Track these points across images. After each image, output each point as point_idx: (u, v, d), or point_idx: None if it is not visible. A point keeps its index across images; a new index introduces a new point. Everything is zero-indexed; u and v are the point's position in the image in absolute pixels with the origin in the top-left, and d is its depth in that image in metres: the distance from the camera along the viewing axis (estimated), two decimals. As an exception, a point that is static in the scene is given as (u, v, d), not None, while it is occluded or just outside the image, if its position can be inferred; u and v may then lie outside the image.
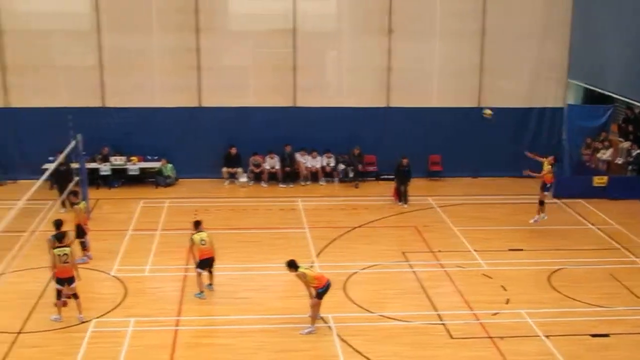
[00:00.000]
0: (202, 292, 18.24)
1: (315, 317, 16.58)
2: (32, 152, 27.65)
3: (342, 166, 28.32)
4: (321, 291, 16.45)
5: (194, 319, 17.26)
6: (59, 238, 17.19)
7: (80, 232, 20.31)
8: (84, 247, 20.45)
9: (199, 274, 18.20)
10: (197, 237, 18.14)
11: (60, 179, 24.53)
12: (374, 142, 28.60)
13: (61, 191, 24.12)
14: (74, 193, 21.90)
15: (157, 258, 20.86)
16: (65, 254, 16.85)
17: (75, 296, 17.09)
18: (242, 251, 21.35)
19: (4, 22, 27.39)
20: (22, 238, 19.76)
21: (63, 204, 23.85)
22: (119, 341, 16.12)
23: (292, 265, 16.59)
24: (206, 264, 18.23)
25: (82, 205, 20.92)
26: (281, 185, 27.96)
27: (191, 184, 27.89)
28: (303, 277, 16.52)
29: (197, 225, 18.45)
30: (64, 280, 16.89)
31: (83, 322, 16.82)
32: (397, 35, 28.03)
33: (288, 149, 28.14)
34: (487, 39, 28.32)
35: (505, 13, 28.26)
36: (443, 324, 17.00)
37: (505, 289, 18.84)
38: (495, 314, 17.51)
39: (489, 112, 24.44)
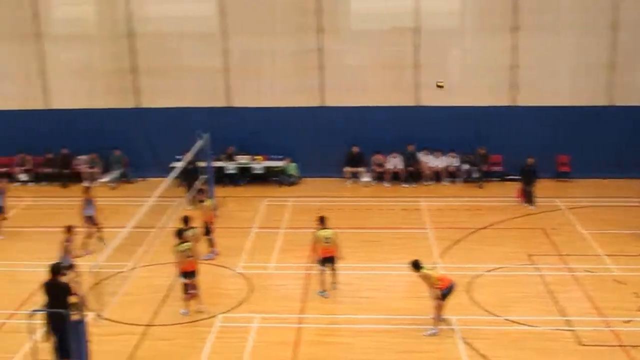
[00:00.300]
0: (324, 290, 18.33)
1: (438, 318, 16.40)
2: (161, 151, 28.57)
3: (466, 166, 27.91)
4: (445, 292, 16.26)
5: (317, 317, 17.38)
6: (180, 233, 17.67)
7: (207, 229, 20.79)
8: (211, 243, 20.91)
9: (322, 272, 18.30)
10: (322, 234, 18.21)
11: (188, 177, 25.16)
12: (499, 142, 27.98)
13: (189, 189, 24.72)
14: (201, 191, 22.44)
15: (281, 256, 21.12)
16: (188, 249, 17.31)
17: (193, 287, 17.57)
18: (365, 250, 21.35)
19: (136, 26, 28.36)
20: (151, 234, 20.42)
21: (191, 202, 24.47)
22: (244, 337, 16.42)
23: (416, 265, 16.47)
24: (327, 261, 18.27)
25: (208, 203, 21.43)
26: (404, 185, 27.81)
27: (314, 183, 28.10)
28: (426, 278, 16.38)
29: (322, 221, 18.48)
30: (189, 274, 17.36)
31: (210, 317, 17.20)
32: (523, 31, 27.34)
33: (411, 148, 27.96)
34: (620, 33, 27.24)
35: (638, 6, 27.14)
36: (571, 330, 16.48)
37: (638, 296, 18.10)
38: (628, 321, 16.83)
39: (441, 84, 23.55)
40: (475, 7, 28.23)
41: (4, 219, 22.90)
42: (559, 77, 27.71)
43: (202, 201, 21.48)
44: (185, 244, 17.45)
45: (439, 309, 16.32)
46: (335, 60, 28.30)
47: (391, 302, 18.09)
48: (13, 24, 28.69)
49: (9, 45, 29.01)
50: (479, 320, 17.02)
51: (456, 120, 27.81)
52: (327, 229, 18.37)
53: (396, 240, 22.16)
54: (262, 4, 27.96)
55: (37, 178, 28.91)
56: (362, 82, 28.42)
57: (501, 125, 27.89)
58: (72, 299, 13.98)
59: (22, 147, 28.91)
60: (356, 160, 28.17)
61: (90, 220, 21.68)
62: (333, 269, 18.46)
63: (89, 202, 21.83)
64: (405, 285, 18.89)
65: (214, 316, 17.35)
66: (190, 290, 17.50)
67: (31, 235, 23.09)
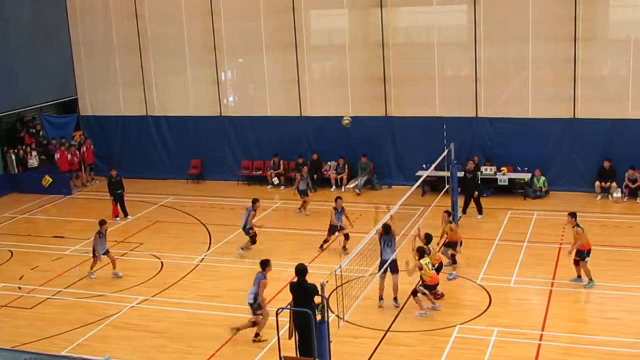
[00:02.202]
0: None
1: None
2: (407, 159, 29.00)
3: None
4: None
5: (559, 334, 16.89)
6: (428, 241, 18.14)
7: (453, 246, 20.64)
8: (454, 261, 20.78)
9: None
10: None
11: (465, 186, 25.39)
12: None
13: (466, 198, 25.36)
14: (449, 213, 21.44)
15: (523, 270, 20.70)
16: (430, 263, 17.75)
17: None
18: (614, 269, 20.40)
19: (388, 36, 28.99)
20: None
21: (464, 210, 25.21)
22: (481, 349, 16.31)
23: None
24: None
25: (453, 225, 20.99)
26: (659, 203, 26.30)
27: (561, 196, 27.21)
28: None
29: None
30: (432, 287, 17.66)
31: (449, 327, 17.23)
32: None
33: (669, 163, 26.35)
34: None
35: None
36: None
37: None
38: None
39: (346, 120, 22.99)
40: None
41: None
42: None
43: (451, 222, 20.89)
44: (428, 258, 17.96)
45: None
46: (591, 70, 27.28)
47: (638, 324, 17.19)
48: (275, 35, 30.38)
49: (271, 56, 30.73)
50: None
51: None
52: None
53: (648, 261, 21.02)
54: (515, 12, 27.52)
55: (289, 182, 30.36)
56: (618, 92, 27.16)
57: None
58: (317, 300, 14.57)
59: (277, 151, 30.52)
60: (607, 175, 26.96)
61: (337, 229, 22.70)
62: None
63: (339, 210, 22.72)
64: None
65: (452, 326, 17.38)
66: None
67: (280, 235, 24.31)
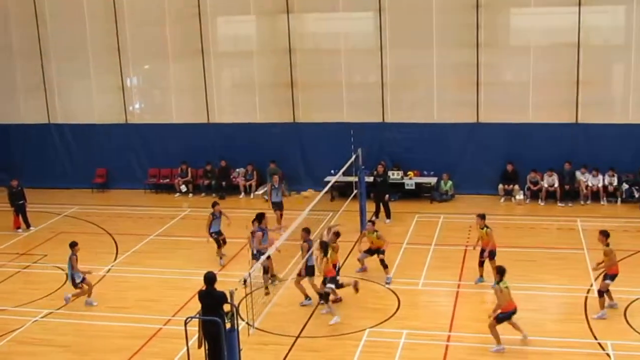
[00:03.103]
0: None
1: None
2: (315, 165, 29.13)
3: (625, 185, 26.83)
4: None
5: (467, 335, 17.17)
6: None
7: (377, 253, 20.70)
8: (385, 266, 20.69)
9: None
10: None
11: (376, 190, 25.73)
12: (662, 161, 26.86)
13: (376, 202, 25.62)
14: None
15: (431, 272, 21.00)
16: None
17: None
18: (518, 270, 20.79)
19: (296, 42, 29.06)
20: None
21: (377, 214, 25.53)
22: (391, 352, 16.44)
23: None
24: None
25: (378, 234, 20.83)
26: (559, 204, 27.04)
27: (467, 199, 27.79)
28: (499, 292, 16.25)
29: None
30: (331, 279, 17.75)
31: (358, 331, 17.33)
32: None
33: (568, 166, 27.17)
34: None
35: None
36: None
37: None
38: None
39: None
40: (640, 20, 27.16)
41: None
42: None
43: (486, 227, 20.13)
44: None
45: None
46: (493, 76, 27.95)
47: (545, 323, 17.62)
48: (182, 42, 30.08)
49: (178, 62, 30.41)
50: (635, 345, 16.30)
51: (617, 139, 26.81)
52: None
53: (551, 261, 21.58)
54: (420, 19, 27.95)
55: (197, 189, 30.09)
56: (520, 98, 27.89)
57: (665, 144, 26.73)
58: (226, 308, 14.44)
59: (184, 159, 30.19)
60: (510, 178, 27.66)
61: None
62: None
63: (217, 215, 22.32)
64: (560, 307, 18.44)
65: (362, 330, 17.47)
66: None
67: (189, 244, 24.06)
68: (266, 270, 19.49)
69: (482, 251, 19.74)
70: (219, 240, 22.13)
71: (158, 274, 21.35)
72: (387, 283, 20.23)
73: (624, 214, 25.85)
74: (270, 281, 19.78)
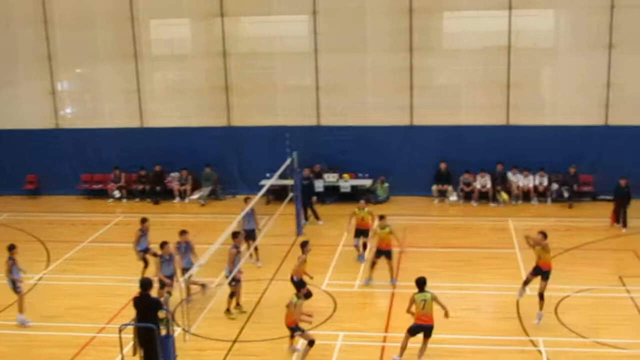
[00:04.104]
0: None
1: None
2: (251, 169, 29.06)
3: (555, 185, 27.41)
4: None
5: (402, 336, 17.22)
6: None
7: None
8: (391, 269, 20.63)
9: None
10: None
11: (304, 194, 25.47)
12: (590, 162, 27.47)
13: (304, 205, 25.40)
14: (383, 217, 20.56)
15: (367, 274, 21.07)
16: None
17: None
18: (453, 270, 21.19)
19: (230, 46, 28.96)
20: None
21: (305, 217, 25.45)
22: (328, 354, 16.46)
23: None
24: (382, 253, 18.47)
25: (388, 230, 20.37)
26: (492, 205, 27.49)
27: (402, 201, 28.05)
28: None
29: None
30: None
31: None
32: (619, 50, 26.74)
33: (500, 167, 27.64)
34: None
35: None
36: (664, 355, 16.02)
37: None
38: None
39: None
40: (569, 25, 27.74)
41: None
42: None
43: (383, 227, 20.27)
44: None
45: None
46: (426, 79, 28.27)
47: (480, 322, 17.89)
48: (114, 45, 29.69)
49: (110, 66, 30.01)
50: (566, 342, 16.68)
51: (547, 140, 27.42)
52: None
53: (484, 260, 21.92)
54: (353, 23, 28.14)
55: (131, 194, 29.75)
56: (452, 101, 28.30)
57: (593, 145, 27.37)
58: (161, 314, 14.31)
59: (117, 164, 29.81)
60: (444, 178, 28.01)
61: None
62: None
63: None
64: (494, 306, 18.72)
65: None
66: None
67: (123, 250, 23.74)
68: (232, 294, 18.67)
69: (378, 252, 20.07)
70: (146, 258, 20.66)
71: (91, 281, 21.02)
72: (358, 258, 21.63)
73: (554, 214, 26.42)
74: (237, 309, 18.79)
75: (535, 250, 17.78)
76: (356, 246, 21.77)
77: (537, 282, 17.72)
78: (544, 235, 17.74)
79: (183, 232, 19.37)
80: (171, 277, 18.26)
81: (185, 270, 18.52)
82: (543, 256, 17.64)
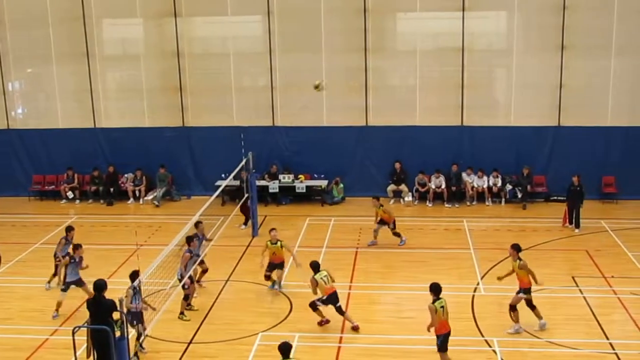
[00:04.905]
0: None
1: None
2: (206, 169, 28.90)
3: (509, 186, 27.70)
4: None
5: (358, 336, 17.34)
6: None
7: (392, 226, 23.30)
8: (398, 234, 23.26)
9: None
10: (319, 276, 17.79)
11: (236, 195, 25.37)
12: (543, 162, 27.83)
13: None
14: (377, 198, 23.61)
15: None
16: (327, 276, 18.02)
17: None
18: (407, 270, 21.31)
19: (183, 46, 28.81)
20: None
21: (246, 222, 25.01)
22: (283, 355, 16.42)
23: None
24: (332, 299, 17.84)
25: (383, 208, 23.46)
26: (447, 205, 27.69)
27: (358, 202, 28.07)
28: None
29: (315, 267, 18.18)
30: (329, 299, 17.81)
31: (251, 335, 17.26)
32: (571, 51, 27.12)
33: (455, 168, 27.85)
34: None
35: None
36: (615, 353, 16.22)
37: (684, 319, 17.79)
38: (673, 344, 16.54)
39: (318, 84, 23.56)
40: (522, 27, 27.94)
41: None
42: (605, 98, 27.38)
43: (381, 206, 23.20)
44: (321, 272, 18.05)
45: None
46: (381, 79, 28.39)
47: (433, 322, 17.98)
48: (66, 44, 29.30)
49: (62, 66, 29.61)
50: (520, 342, 16.86)
51: (500, 141, 27.71)
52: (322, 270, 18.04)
53: (439, 261, 22.05)
54: (308, 23, 28.15)
55: (84, 195, 29.40)
56: (407, 101, 28.45)
57: (545, 146, 27.74)
58: (115, 316, 14.16)
59: (70, 164, 29.42)
60: (399, 178, 28.13)
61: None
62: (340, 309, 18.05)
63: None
64: (448, 306, 18.76)
65: (255, 334, 17.42)
66: None
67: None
68: (186, 297, 18.53)
69: (271, 265, 19.89)
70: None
71: (43, 283, 20.69)
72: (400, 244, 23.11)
73: (508, 214, 26.68)
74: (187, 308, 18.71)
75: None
76: (267, 277, 20.70)
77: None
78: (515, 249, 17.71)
79: (198, 224, 19.64)
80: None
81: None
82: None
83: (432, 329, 15.44)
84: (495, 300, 18.71)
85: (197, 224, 19.71)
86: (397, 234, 23.29)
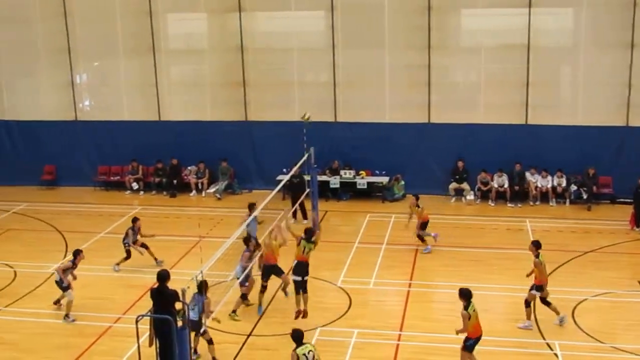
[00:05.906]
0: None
1: None
2: (267, 164, 29.07)
3: (574, 187, 27.22)
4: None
5: (416, 334, 17.28)
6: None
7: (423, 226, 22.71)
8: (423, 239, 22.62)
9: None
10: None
11: (293, 190, 25.44)
12: (610, 163, 27.23)
13: (294, 202, 24.98)
14: (417, 197, 23.21)
15: (382, 272, 21.09)
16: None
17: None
18: (466, 270, 21.10)
19: (247, 41, 28.99)
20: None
21: (294, 215, 24.74)
22: (342, 351, 16.48)
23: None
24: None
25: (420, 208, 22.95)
26: (509, 205, 27.33)
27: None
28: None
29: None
30: None
31: (309, 329, 17.30)
32: (639, 48, 26.50)
33: (518, 167, 27.50)
34: None
35: None
36: (681, 359, 15.89)
37: None
38: None
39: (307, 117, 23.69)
40: (589, 23, 27.36)
41: None
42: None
43: (418, 206, 22.81)
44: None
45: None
46: (444, 76, 28.18)
47: (492, 323, 17.64)
48: (132, 39, 29.80)
49: (128, 60, 30.12)
50: (582, 346, 16.57)
51: (565, 140, 27.18)
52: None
53: (499, 261, 21.80)
54: (371, 19, 28.07)
55: (147, 187, 29.84)
56: (470, 99, 28.19)
57: (612, 146, 27.11)
58: (178, 306, 14.35)
59: (135, 156, 29.90)
60: (461, 176, 27.89)
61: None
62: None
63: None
64: (506, 307, 18.62)
65: (313, 328, 17.47)
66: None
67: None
68: (244, 296, 18.64)
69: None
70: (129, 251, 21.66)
71: (108, 272, 21.09)
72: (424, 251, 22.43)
73: (572, 215, 26.21)
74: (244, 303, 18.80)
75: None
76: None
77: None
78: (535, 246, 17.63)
79: (251, 206, 20.52)
80: None
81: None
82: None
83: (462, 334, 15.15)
84: (557, 302, 18.38)
85: (251, 206, 20.48)
86: (422, 239, 22.59)
